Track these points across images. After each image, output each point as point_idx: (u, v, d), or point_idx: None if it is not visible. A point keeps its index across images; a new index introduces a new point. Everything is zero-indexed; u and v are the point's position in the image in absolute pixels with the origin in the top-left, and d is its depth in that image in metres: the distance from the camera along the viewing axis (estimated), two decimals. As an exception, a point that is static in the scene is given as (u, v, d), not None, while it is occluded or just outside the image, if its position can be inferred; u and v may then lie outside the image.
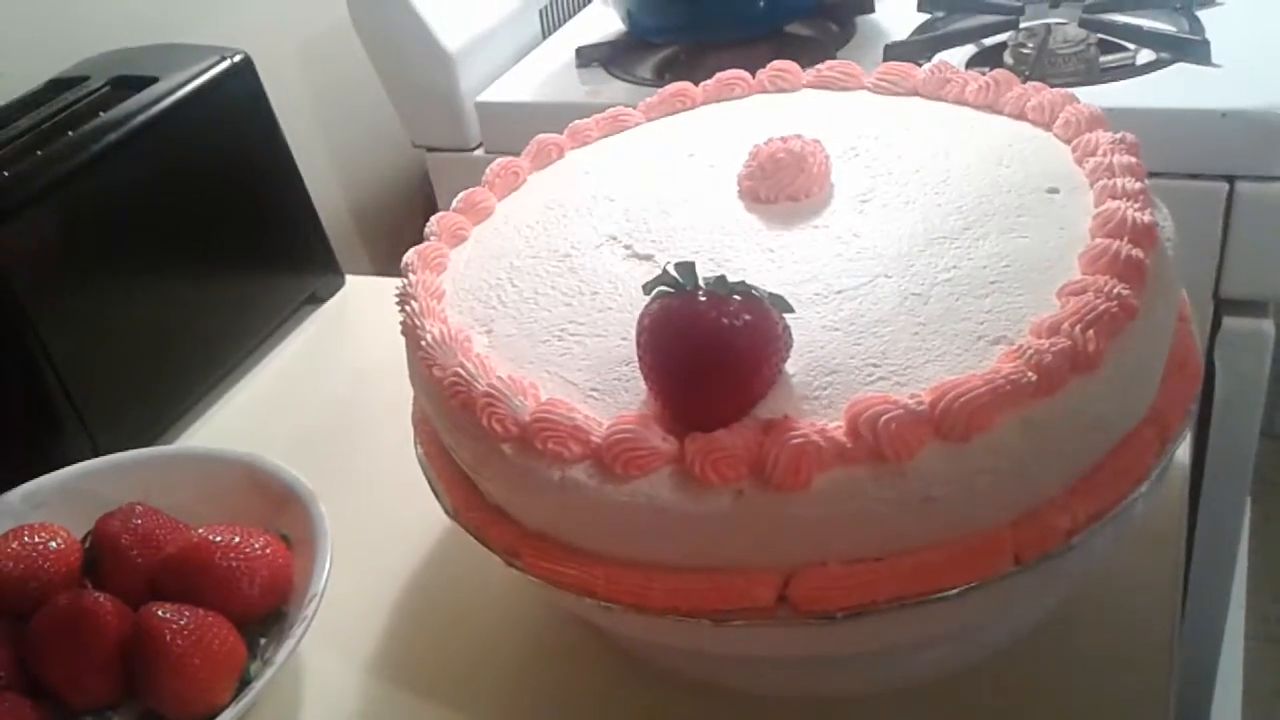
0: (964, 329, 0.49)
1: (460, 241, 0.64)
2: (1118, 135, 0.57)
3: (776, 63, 0.71)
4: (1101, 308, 0.46)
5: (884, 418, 0.44)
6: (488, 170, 0.68)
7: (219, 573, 0.60)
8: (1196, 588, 1.11)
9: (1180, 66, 1.01)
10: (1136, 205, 0.51)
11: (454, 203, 0.66)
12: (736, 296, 0.46)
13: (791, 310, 0.48)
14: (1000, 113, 0.63)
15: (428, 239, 0.64)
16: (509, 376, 0.51)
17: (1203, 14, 1.10)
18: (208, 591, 0.59)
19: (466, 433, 0.52)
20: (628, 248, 0.59)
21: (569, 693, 0.59)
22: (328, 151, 1.32)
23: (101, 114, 0.80)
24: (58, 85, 0.86)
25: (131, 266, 0.80)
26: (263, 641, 0.60)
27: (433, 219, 0.65)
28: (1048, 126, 0.61)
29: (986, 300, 0.50)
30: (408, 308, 0.58)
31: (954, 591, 0.45)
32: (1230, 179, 0.94)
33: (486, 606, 0.63)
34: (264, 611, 0.61)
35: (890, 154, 0.61)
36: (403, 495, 0.62)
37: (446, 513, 0.56)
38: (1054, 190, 0.56)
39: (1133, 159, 0.54)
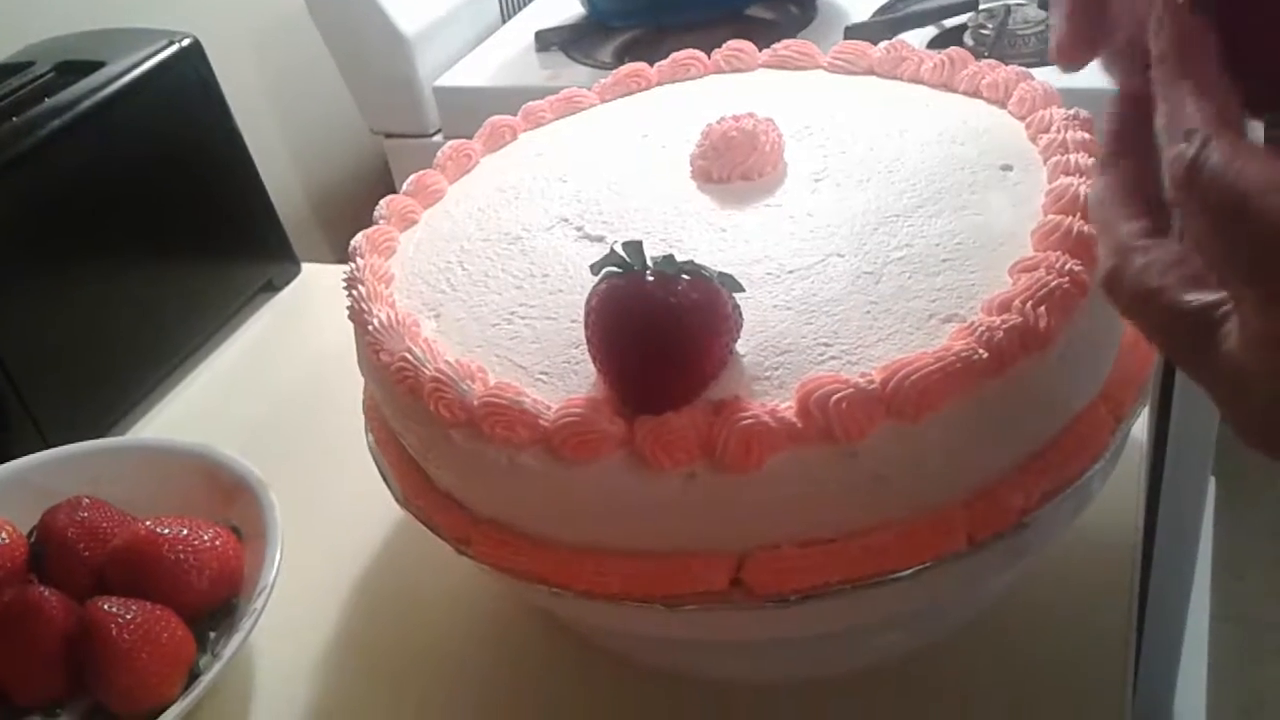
0: (916, 307, 0.48)
1: (410, 225, 0.63)
2: (1071, 111, 0.56)
3: (732, 42, 0.70)
4: (1053, 284, 0.46)
5: (834, 397, 0.43)
6: (439, 153, 0.67)
7: (167, 565, 0.59)
8: (1160, 567, 1.11)
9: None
10: (1090, 181, 0.50)
11: (404, 185, 0.65)
12: (685, 276, 0.45)
13: (741, 289, 0.47)
14: (955, 91, 0.63)
15: (377, 222, 0.63)
16: (457, 361, 0.50)
17: None
18: (156, 584, 0.58)
19: (415, 418, 0.51)
20: (579, 229, 0.58)
21: (523, 681, 0.58)
22: (284, 138, 1.31)
23: (46, 99, 0.78)
24: (1, 71, 0.84)
25: (80, 254, 0.79)
26: (212, 635, 0.59)
27: (382, 202, 0.64)
28: (1002, 104, 0.60)
29: (939, 278, 0.49)
30: (354, 292, 0.57)
31: (907, 572, 0.45)
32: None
33: (439, 596, 0.62)
34: (214, 604, 0.60)
35: (844, 133, 0.60)
36: (357, 485, 0.61)
37: (397, 500, 0.55)
38: (1008, 167, 0.55)
39: (1086, 135, 0.54)
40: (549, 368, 0.50)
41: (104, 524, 0.62)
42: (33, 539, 0.63)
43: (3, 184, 0.73)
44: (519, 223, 0.60)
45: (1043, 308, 0.45)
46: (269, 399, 0.83)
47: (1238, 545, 1.63)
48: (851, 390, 0.43)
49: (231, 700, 0.59)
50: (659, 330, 0.45)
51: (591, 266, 0.46)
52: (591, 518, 0.47)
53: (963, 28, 1.12)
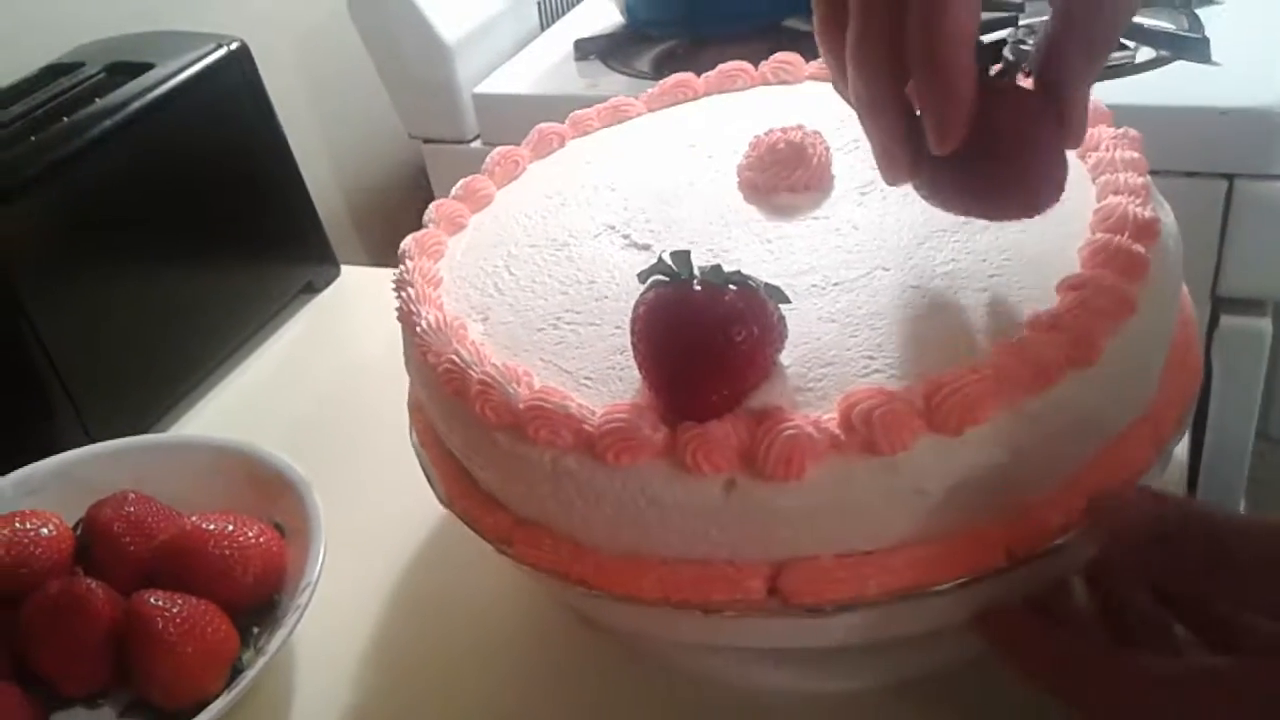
0: (962, 322, 0.48)
1: (459, 229, 0.64)
2: (1120, 130, 0.56)
3: (779, 54, 0.71)
4: (1100, 302, 0.46)
5: (877, 410, 0.43)
6: (487, 159, 0.68)
7: (212, 561, 0.60)
8: None
9: (1180, 64, 1.01)
10: (1138, 201, 0.50)
11: (453, 190, 0.66)
12: (732, 286, 0.45)
13: (787, 301, 0.47)
14: None
15: (426, 226, 0.63)
16: (503, 364, 0.51)
17: (1202, 12, 1.10)
18: (200, 580, 0.59)
19: (460, 420, 0.52)
20: (626, 237, 0.59)
21: (564, 683, 0.58)
22: (324, 142, 1.32)
23: (97, 100, 0.79)
24: (53, 71, 0.85)
25: (126, 253, 0.80)
26: (255, 630, 0.60)
27: (431, 206, 0.64)
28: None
29: (985, 293, 0.49)
30: (404, 294, 0.57)
31: (944, 587, 0.45)
32: (1229, 177, 0.94)
33: (481, 596, 0.63)
34: (257, 600, 0.61)
35: None
36: (398, 485, 0.61)
37: (440, 500, 0.56)
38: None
39: (1135, 154, 0.54)
40: (593, 373, 0.50)
41: (150, 519, 0.63)
42: (79, 532, 0.63)
43: (53, 183, 0.74)
44: (566, 229, 0.60)
45: (1089, 325, 0.45)
46: (308, 399, 0.84)
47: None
48: (894, 402, 0.43)
49: (273, 696, 0.60)
50: (705, 340, 0.45)
51: (639, 275, 0.47)
52: (631, 523, 0.47)
53: (1002, 42, 1.12)
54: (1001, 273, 0.50)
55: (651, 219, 0.59)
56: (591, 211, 0.61)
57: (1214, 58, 1.00)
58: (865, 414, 0.43)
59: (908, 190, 0.55)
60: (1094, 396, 0.46)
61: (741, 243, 0.56)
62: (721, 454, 0.44)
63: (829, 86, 0.67)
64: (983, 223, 0.52)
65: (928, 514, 0.45)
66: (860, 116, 0.47)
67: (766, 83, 0.71)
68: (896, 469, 0.44)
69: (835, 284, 0.52)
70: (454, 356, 0.52)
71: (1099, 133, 0.56)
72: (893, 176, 0.48)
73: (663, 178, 0.63)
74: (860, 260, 0.53)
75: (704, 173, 0.62)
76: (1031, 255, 0.51)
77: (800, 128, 0.59)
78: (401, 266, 0.59)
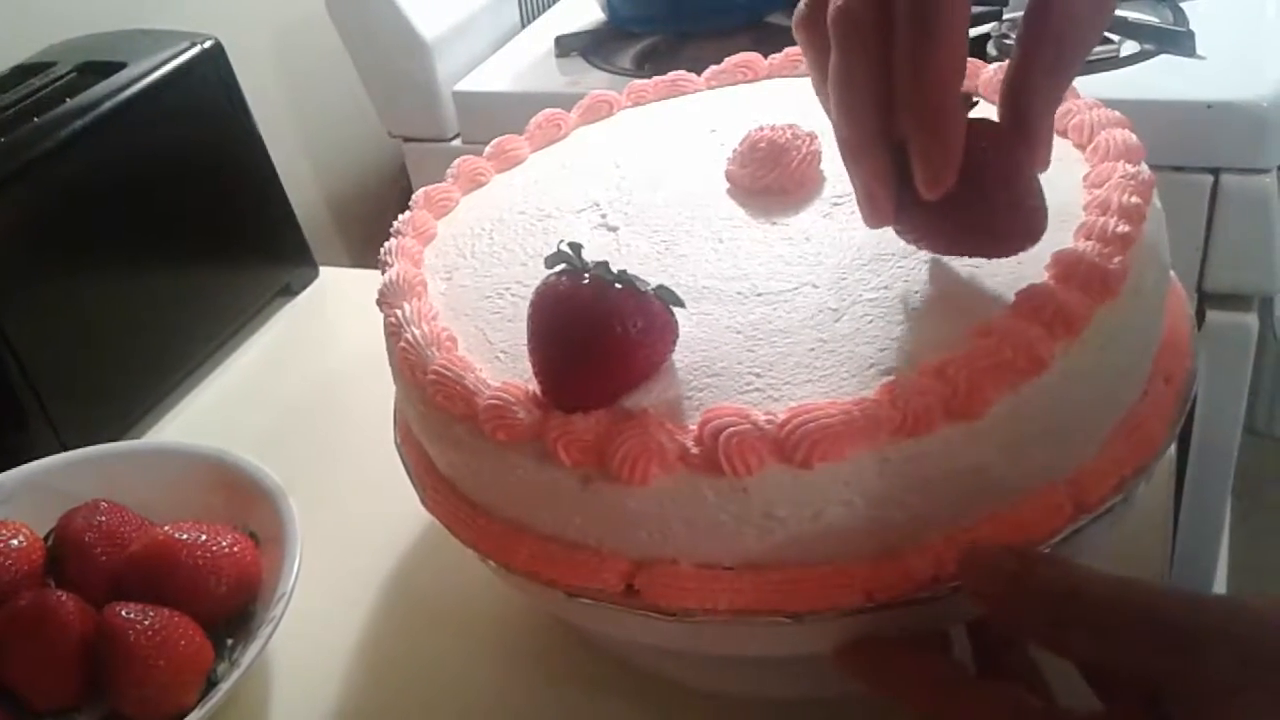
0: (861, 353, 0.46)
1: (477, 186, 0.64)
2: (1134, 169, 0.51)
3: None
4: (1004, 355, 0.43)
5: (728, 430, 0.43)
6: (531, 121, 0.68)
7: (185, 571, 0.58)
8: (1178, 585, 1.11)
9: (1164, 58, 1.00)
10: (1108, 250, 0.46)
11: (486, 149, 0.66)
12: (617, 285, 0.45)
13: (680, 305, 0.47)
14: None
15: (446, 180, 0.64)
16: (430, 328, 0.52)
17: (1186, 5, 1.09)
18: (173, 590, 0.58)
19: (398, 378, 0.54)
20: (603, 216, 0.58)
21: (550, 694, 0.57)
22: (302, 141, 1.31)
23: (68, 100, 0.78)
24: (23, 71, 0.84)
25: (99, 256, 0.79)
26: (230, 642, 0.59)
27: (456, 161, 0.65)
28: (1081, 146, 0.55)
29: (900, 327, 0.47)
30: (388, 243, 0.58)
31: (790, 620, 0.44)
32: (1215, 171, 0.94)
33: (465, 605, 0.62)
34: (231, 611, 0.60)
35: None
36: (378, 491, 0.60)
37: (422, 502, 0.55)
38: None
39: (1138, 199, 0.49)
40: (510, 348, 0.51)
41: (122, 528, 0.62)
42: (50, 543, 0.62)
43: (23, 183, 0.73)
44: (555, 201, 0.60)
45: (976, 379, 0.42)
46: (286, 404, 0.83)
47: (1252, 562, 1.62)
48: (746, 427, 0.42)
49: (248, 709, 0.59)
50: (581, 332, 0.45)
51: (545, 260, 0.47)
52: (510, 498, 0.49)
53: (986, 37, 1.11)
54: (928, 308, 0.48)
55: (632, 201, 0.59)
56: (587, 186, 0.61)
57: (1198, 51, 0.99)
58: (715, 432, 0.43)
59: None
60: (977, 451, 0.43)
61: (696, 238, 0.55)
62: (579, 447, 0.45)
63: None
64: (939, 259, 0.50)
65: (786, 540, 0.44)
66: (843, 157, 0.46)
67: None
68: (747, 492, 0.43)
69: (758, 294, 0.51)
70: (398, 312, 0.53)
71: (1113, 168, 0.52)
72: (876, 220, 0.47)
73: (666, 160, 0.62)
74: (794, 273, 0.51)
75: (706, 161, 0.61)
76: (970, 295, 0.48)
77: (790, 128, 0.58)
78: (404, 215, 0.60)
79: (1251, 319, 0.98)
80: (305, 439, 0.78)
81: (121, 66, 0.81)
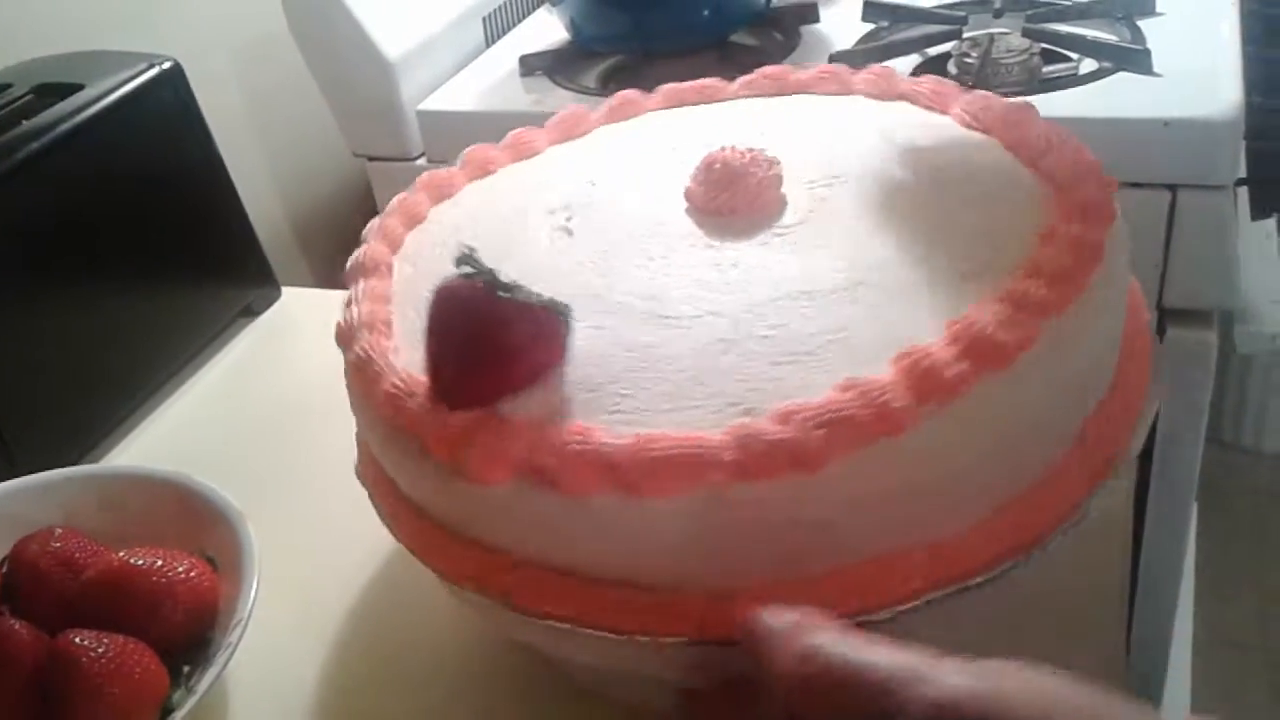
0: (731, 390, 0.46)
1: (483, 175, 0.66)
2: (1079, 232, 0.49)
3: (879, 67, 0.68)
4: (847, 411, 0.42)
5: (567, 446, 0.43)
6: (557, 114, 0.68)
7: (141, 597, 0.58)
8: (1144, 596, 1.11)
9: (1122, 75, 1.01)
10: (1004, 316, 0.45)
11: (505, 138, 0.67)
12: (501, 294, 0.46)
13: (567, 316, 0.48)
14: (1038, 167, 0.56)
15: (458, 164, 0.66)
16: (369, 311, 0.54)
17: (1144, 24, 1.10)
18: (129, 617, 0.57)
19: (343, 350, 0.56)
20: (567, 220, 0.59)
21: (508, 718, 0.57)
22: (265, 161, 1.30)
23: (24, 122, 0.77)
24: (-22, 92, 0.83)
25: (55, 278, 0.78)
26: (186, 669, 0.58)
27: (469, 148, 0.66)
28: (1053, 182, 0.53)
29: (780, 369, 0.46)
30: (370, 223, 0.61)
31: (619, 637, 0.44)
32: (1172, 188, 0.94)
33: (423, 632, 0.61)
34: (188, 638, 0.59)
35: (860, 191, 0.57)
36: (341, 517, 0.60)
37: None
38: (966, 278, 0.49)
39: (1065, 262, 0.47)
40: None
41: (77, 554, 0.61)
42: (4, 569, 0.61)
43: (-22, 206, 0.72)
44: (531, 201, 0.62)
45: (820, 431, 0.42)
46: (247, 426, 0.82)
47: (1219, 571, 1.63)
48: (584, 446, 0.43)
49: (205, 736, 0.58)
50: (460, 333, 0.47)
51: (455, 259, 0.47)
52: (408, 477, 0.51)
53: (946, 56, 1.12)
54: (818, 354, 0.46)
55: (594, 209, 0.60)
56: (563, 190, 0.62)
57: (1156, 69, 1.00)
58: (557, 449, 0.44)
59: (820, 244, 0.53)
60: (822, 507, 0.43)
61: (631, 253, 0.56)
62: (442, 443, 0.46)
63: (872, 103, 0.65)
64: (853, 294, 0.49)
65: (621, 562, 0.45)
66: None
67: (853, 91, 0.68)
68: (585, 510, 0.43)
69: (663, 316, 0.51)
70: (353, 291, 0.56)
71: (1065, 230, 0.49)
72: None
73: (641, 172, 0.62)
74: (706, 299, 0.51)
75: (672, 177, 0.61)
76: (864, 345, 0.47)
77: (751, 151, 0.57)
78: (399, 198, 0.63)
79: (1211, 335, 0.99)
80: (266, 462, 0.77)
81: (79, 88, 0.81)
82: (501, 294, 0.46)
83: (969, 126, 0.61)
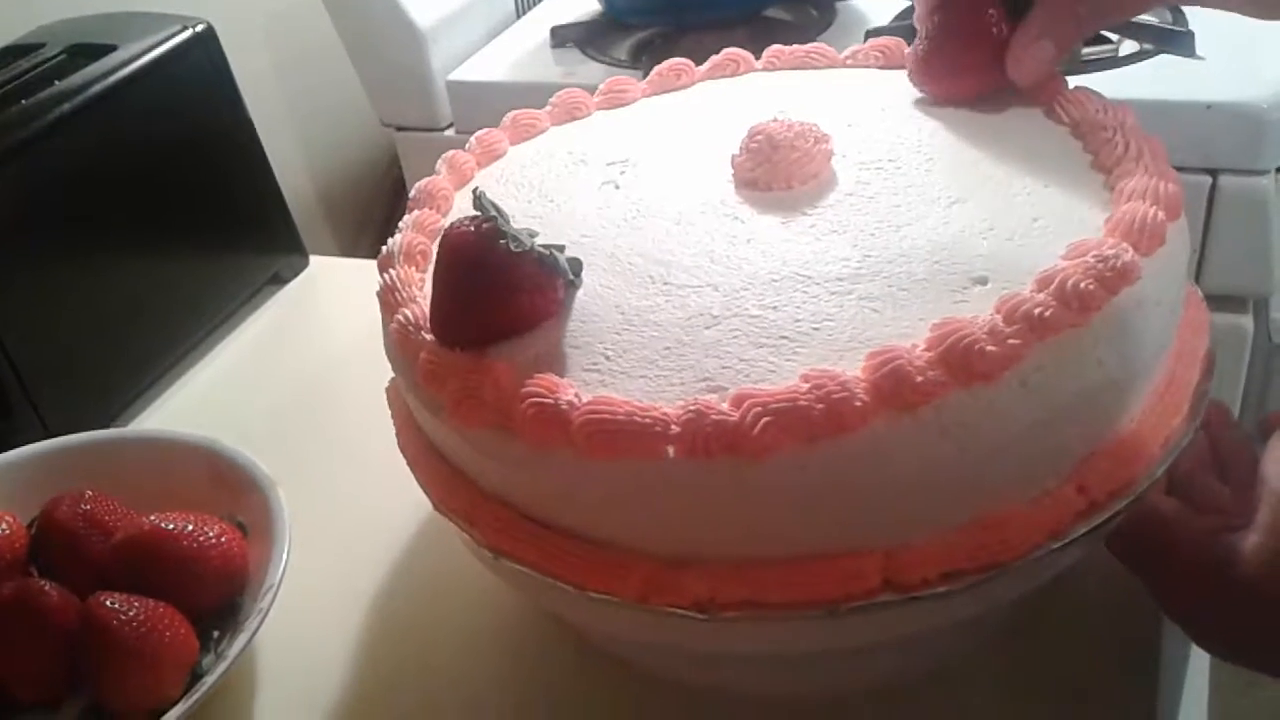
0: (704, 365, 0.45)
1: (535, 134, 0.66)
2: (1111, 254, 0.45)
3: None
4: (800, 403, 0.41)
5: (531, 400, 0.44)
6: (604, 81, 0.68)
7: (171, 562, 0.57)
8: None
9: (1164, 58, 1.00)
10: (994, 329, 0.43)
11: (553, 97, 0.67)
12: (503, 240, 0.47)
13: (568, 270, 0.49)
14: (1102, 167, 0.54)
15: (503, 124, 0.66)
16: (411, 240, 0.55)
17: (1186, 6, 1.09)
18: (159, 581, 0.57)
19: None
20: (622, 174, 0.59)
21: (542, 693, 0.57)
22: (294, 128, 1.29)
23: (56, 83, 0.77)
24: (11, 52, 0.83)
25: (86, 241, 0.77)
26: (216, 634, 0.58)
27: (511, 114, 0.66)
28: (1122, 195, 0.50)
29: (756, 350, 0.45)
30: (420, 184, 0.61)
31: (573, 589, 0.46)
32: (1213, 172, 0.93)
33: (455, 599, 0.61)
34: (218, 603, 0.59)
35: (909, 176, 0.54)
36: (370, 482, 0.60)
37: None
38: (982, 280, 0.47)
39: (1094, 288, 0.44)
40: None
41: (107, 517, 0.61)
42: (34, 531, 0.61)
43: (10, 168, 0.72)
44: (595, 153, 0.62)
45: (756, 432, 0.41)
46: (275, 393, 0.82)
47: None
48: (549, 402, 0.44)
49: (234, 702, 0.58)
50: (457, 273, 0.48)
51: (473, 201, 0.49)
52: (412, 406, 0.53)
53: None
54: (795, 339, 0.46)
55: (648, 170, 0.60)
56: (627, 145, 0.62)
57: (1198, 51, 0.99)
58: (524, 398, 0.45)
59: (840, 228, 0.52)
60: (764, 499, 0.43)
61: (662, 215, 0.55)
62: (435, 379, 0.48)
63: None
64: (870, 288, 0.47)
65: (577, 515, 0.46)
66: None
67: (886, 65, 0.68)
68: (543, 464, 0.45)
69: (665, 283, 0.50)
70: (393, 241, 0.56)
71: (1086, 244, 0.46)
72: None
73: (705, 136, 0.61)
74: (710, 271, 0.50)
75: (726, 148, 0.59)
76: (853, 338, 0.45)
77: (795, 125, 0.56)
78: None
79: (1247, 320, 0.98)
80: (295, 428, 0.77)
81: (112, 49, 0.80)
82: (503, 241, 0.47)
83: (1059, 122, 0.58)
